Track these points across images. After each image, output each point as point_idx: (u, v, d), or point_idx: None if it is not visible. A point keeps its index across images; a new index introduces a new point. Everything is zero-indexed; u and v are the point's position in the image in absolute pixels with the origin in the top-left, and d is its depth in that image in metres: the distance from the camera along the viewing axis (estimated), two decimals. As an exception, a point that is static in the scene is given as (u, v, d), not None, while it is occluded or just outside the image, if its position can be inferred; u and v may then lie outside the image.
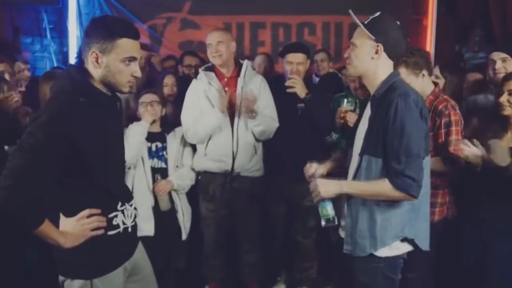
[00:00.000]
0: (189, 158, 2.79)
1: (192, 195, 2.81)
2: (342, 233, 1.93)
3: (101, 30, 1.54)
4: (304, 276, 2.98)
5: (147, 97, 2.67)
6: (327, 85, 3.35)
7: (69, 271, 1.62)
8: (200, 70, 2.78)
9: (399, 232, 1.78)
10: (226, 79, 2.73)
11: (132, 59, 1.56)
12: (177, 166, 2.72)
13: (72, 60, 4.81)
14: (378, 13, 1.77)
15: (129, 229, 1.71)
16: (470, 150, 2.09)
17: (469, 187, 2.30)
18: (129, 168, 2.58)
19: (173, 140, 2.72)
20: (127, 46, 1.54)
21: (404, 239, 1.79)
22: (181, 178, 2.69)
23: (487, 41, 4.46)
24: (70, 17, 4.83)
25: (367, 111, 1.83)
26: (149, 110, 2.63)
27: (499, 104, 2.17)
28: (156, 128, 2.71)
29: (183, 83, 3.15)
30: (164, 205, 2.64)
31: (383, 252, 1.80)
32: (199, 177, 2.81)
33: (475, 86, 2.96)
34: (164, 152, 2.70)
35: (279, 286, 3.09)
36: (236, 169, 2.70)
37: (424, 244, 1.83)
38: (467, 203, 2.35)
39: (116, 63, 1.54)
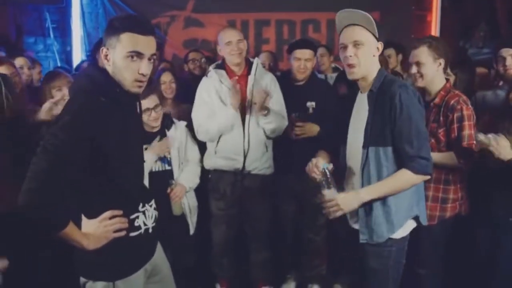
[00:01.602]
0: (192, 152, 2.74)
1: (201, 191, 2.79)
2: (354, 225, 1.96)
3: (109, 25, 1.53)
4: (314, 273, 2.99)
5: (149, 102, 2.46)
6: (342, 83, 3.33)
7: (91, 273, 1.61)
8: (210, 68, 2.78)
9: (410, 212, 1.88)
10: (237, 77, 2.71)
11: (136, 54, 1.50)
12: (181, 163, 2.68)
13: (76, 59, 4.79)
14: (366, 13, 1.78)
15: (150, 230, 1.70)
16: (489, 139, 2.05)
17: (481, 183, 2.30)
18: None
19: (174, 136, 2.64)
20: (130, 40, 1.49)
21: (413, 217, 1.90)
22: (191, 179, 2.66)
23: (492, 37, 4.45)
24: (73, 17, 4.82)
25: (361, 105, 1.88)
26: (153, 117, 2.49)
27: (511, 100, 2.17)
28: (156, 127, 2.59)
29: (187, 81, 3.13)
30: (178, 210, 2.61)
31: (398, 233, 1.87)
32: (209, 175, 2.80)
33: (482, 80, 2.96)
34: (166, 153, 2.61)
35: (289, 284, 3.09)
36: (247, 167, 2.69)
37: (424, 220, 1.96)
38: (479, 199, 2.34)
39: (120, 59, 1.50)
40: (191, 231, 2.70)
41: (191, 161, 2.74)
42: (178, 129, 2.68)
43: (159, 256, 1.82)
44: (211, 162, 2.74)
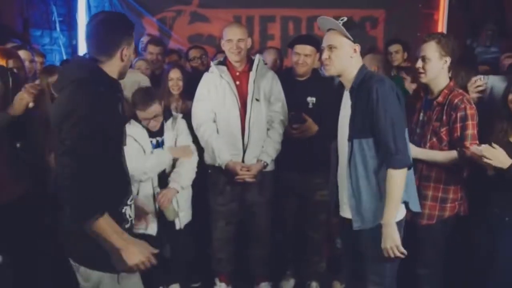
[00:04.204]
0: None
1: (201, 186, 2.80)
2: (342, 213, 2.08)
3: (127, 26, 1.67)
4: (313, 270, 2.99)
5: (148, 113, 2.52)
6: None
7: (97, 263, 1.61)
8: (212, 63, 2.79)
9: None
10: (238, 73, 2.73)
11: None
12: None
13: (82, 53, 4.80)
14: (346, 17, 1.98)
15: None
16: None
17: (478, 183, 2.28)
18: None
19: (170, 131, 2.65)
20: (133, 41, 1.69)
21: (403, 202, 1.99)
22: (183, 180, 2.63)
23: (500, 36, 4.40)
24: (80, 10, 4.83)
25: (346, 102, 2.03)
26: (152, 125, 2.56)
27: (511, 101, 2.16)
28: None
29: (191, 78, 3.13)
30: (170, 215, 2.57)
31: None
32: (209, 171, 2.81)
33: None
34: (164, 147, 2.63)
35: (288, 280, 3.08)
36: (247, 163, 2.69)
37: (415, 206, 2.06)
38: (476, 199, 2.33)
39: (132, 54, 1.69)
40: (177, 226, 2.68)
41: (184, 160, 2.67)
42: (176, 123, 2.69)
43: None
44: (211, 157, 2.74)
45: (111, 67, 1.62)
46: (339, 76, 2.04)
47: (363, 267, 2.05)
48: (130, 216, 1.72)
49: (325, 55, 1.99)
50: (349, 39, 1.94)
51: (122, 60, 1.63)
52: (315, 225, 2.89)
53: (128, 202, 1.71)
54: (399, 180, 1.90)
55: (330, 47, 1.97)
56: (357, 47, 1.97)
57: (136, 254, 1.56)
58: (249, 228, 2.89)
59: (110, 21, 1.65)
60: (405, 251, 1.93)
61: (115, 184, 1.63)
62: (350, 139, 1.96)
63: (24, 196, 2.21)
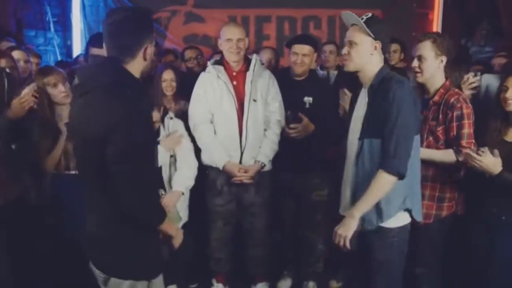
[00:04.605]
0: (185, 152, 2.67)
1: (199, 186, 2.78)
2: (343, 212, 2.04)
3: (149, 23, 1.59)
4: (311, 270, 2.99)
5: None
6: (344, 81, 3.32)
7: (132, 273, 1.59)
8: (208, 63, 2.78)
9: (401, 204, 1.94)
10: (234, 73, 2.73)
11: None
12: (175, 160, 2.66)
13: (76, 53, 4.76)
14: (370, 14, 1.95)
15: None
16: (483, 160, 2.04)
17: (474, 182, 2.29)
18: None
19: (163, 133, 2.63)
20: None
21: (406, 210, 1.97)
22: (186, 182, 2.62)
23: (494, 35, 4.43)
24: (74, 10, 4.79)
25: (362, 100, 2.00)
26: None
27: (503, 100, 2.17)
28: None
29: (186, 78, 3.13)
30: (175, 219, 2.51)
31: (392, 222, 1.93)
32: (207, 172, 2.80)
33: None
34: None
35: (285, 280, 3.09)
36: (245, 164, 2.70)
37: (418, 215, 2.02)
38: (472, 198, 2.34)
39: (153, 52, 1.60)
40: None
41: (184, 162, 2.65)
42: (170, 125, 2.67)
43: None
44: (208, 158, 2.74)
45: (134, 67, 1.53)
46: (357, 72, 2.00)
47: (366, 267, 2.02)
48: None
49: (345, 50, 1.98)
50: (370, 36, 1.92)
51: (145, 59, 1.54)
52: (312, 225, 2.89)
53: None
54: (384, 184, 1.85)
55: (351, 43, 1.95)
56: (378, 44, 1.93)
57: (181, 238, 1.72)
58: (247, 228, 2.88)
59: (131, 20, 1.52)
60: (349, 248, 1.87)
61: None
62: (362, 137, 1.93)
63: (22, 196, 2.21)
